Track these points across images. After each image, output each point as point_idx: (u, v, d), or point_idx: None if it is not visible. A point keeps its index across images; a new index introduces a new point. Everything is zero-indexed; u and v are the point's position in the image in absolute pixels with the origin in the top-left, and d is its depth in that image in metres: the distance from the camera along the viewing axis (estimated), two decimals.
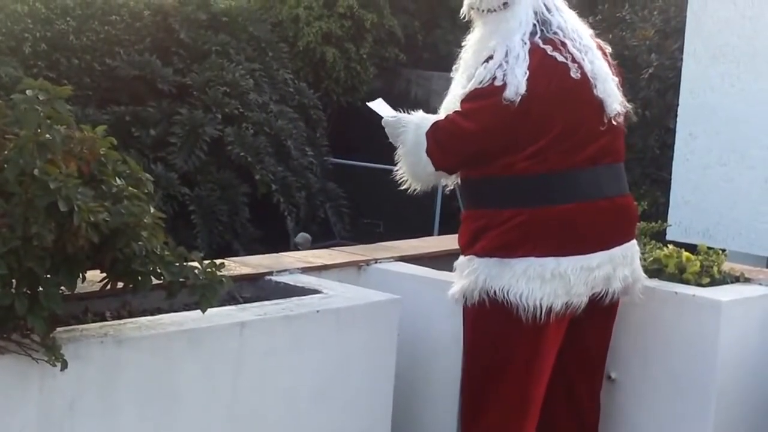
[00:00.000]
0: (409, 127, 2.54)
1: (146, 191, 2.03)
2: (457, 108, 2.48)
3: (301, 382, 2.35)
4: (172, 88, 8.23)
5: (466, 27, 2.62)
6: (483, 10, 2.51)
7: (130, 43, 8.27)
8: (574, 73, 2.43)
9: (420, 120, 2.54)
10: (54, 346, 1.88)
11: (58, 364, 1.88)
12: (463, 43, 2.60)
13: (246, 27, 9.02)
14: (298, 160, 8.56)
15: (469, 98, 2.46)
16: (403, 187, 2.61)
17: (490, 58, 2.45)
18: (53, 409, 1.95)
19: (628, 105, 2.52)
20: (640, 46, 6.55)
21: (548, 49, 2.44)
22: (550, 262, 2.43)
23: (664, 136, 6.31)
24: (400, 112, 2.63)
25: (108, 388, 2.03)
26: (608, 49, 2.62)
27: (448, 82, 2.64)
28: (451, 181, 2.64)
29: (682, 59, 4.62)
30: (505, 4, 2.48)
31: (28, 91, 1.90)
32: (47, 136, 1.86)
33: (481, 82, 2.44)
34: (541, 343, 2.48)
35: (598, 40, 2.62)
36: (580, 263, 2.45)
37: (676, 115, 4.62)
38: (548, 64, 2.43)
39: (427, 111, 2.65)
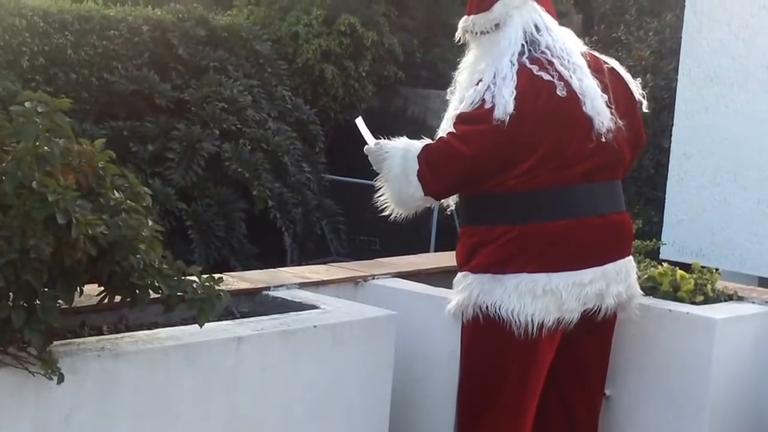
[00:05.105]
0: (394, 153, 2.53)
1: (144, 204, 2.04)
2: (451, 130, 2.50)
3: (298, 397, 2.35)
4: (170, 104, 8.25)
5: (464, 45, 2.65)
6: (476, 33, 2.55)
7: (128, 58, 8.30)
8: (560, 91, 2.45)
9: (407, 145, 2.54)
10: (50, 359, 1.88)
11: (55, 378, 1.88)
12: (458, 66, 2.62)
13: (245, 43, 9.06)
14: (295, 177, 8.58)
15: (463, 121, 2.47)
16: (385, 213, 2.60)
17: (481, 80, 2.48)
18: (49, 422, 1.95)
19: (620, 121, 2.53)
20: (635, 66, 6.59)
21: (535, 68, 2.46)
22: (541, 278, 2.45)
23: (658, 156, 6.33)
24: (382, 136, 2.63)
25: (104, 402, 2.02)
26: (615, 65, 2.63)
27: (445, 100, 2.66)
28: (452, 202, 2.65)
29: (677, 80, 4.65)
30: (497, 25, 2.51)
31: (26, 104, 1.90)
32: (46, 148, 1.86)
33: (471, 104, 2.46)
34: (533, 358, 2.50)
35: (603, 57, 2.64)
36: (572, 279, 2.46)
37: (670, 136, 4.64)
38: (535, 84, 2.45)
39: (424, 129, 2.66)
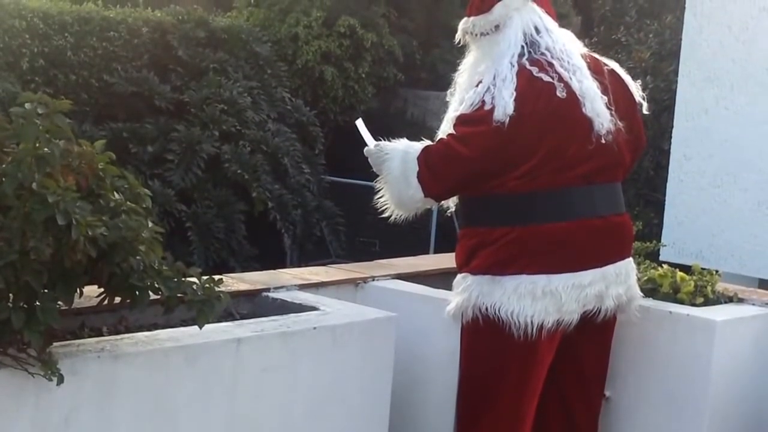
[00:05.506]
0: (394, 155, 2.53)
1: (144, 206, 2.04)
2: (451, 131, 2.50)
3: (298, 398, 2.35)
4: (170, 105, 8.26)
5: (464, 47, 2.65)
6: (476, 35, 2.55)
7: (128, 59, 8.31)
8: (560, 93, 2.45)
9: (406, 146, 2.54)
10: (50, 360, 1.88)
11: (54, 379, 1.88)
12: (458, 68, 2.63)
13: (244, 45, 9.07)
14: (294, 178, 8.59)
15: (463, 122, 2.48)
16: (385, 215, 2.60)
17: (480, 82, 2.48)
18: (48, 423, 1.95)
19: (619, 123, 2.53)
20: (635, 68, 6.59)
21: (534, 70, 2.46)
22: (541, 280, 2.45)
23: (658, 158, 6.34)
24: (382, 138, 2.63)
25: (104, 403, 2.03)
26: (615, 67, 2.63)
27: (445, 102, 2.66)
28: (452, 204, 2.66)
29: (676, 82, 4.66)
30: (497, 26, 2.51)
31: (26, 105, 1.90)
32: (46, 149, 1.86)
33: (471, 106, 2.46)
34: (533, 360, 2.50)
35: (603, 59, 2.64)
36: (572, 281, 2.46)
37: (670, 137, 4.64)
38: (535, 85, 2.45)
39: (423, 131, 2.66)
